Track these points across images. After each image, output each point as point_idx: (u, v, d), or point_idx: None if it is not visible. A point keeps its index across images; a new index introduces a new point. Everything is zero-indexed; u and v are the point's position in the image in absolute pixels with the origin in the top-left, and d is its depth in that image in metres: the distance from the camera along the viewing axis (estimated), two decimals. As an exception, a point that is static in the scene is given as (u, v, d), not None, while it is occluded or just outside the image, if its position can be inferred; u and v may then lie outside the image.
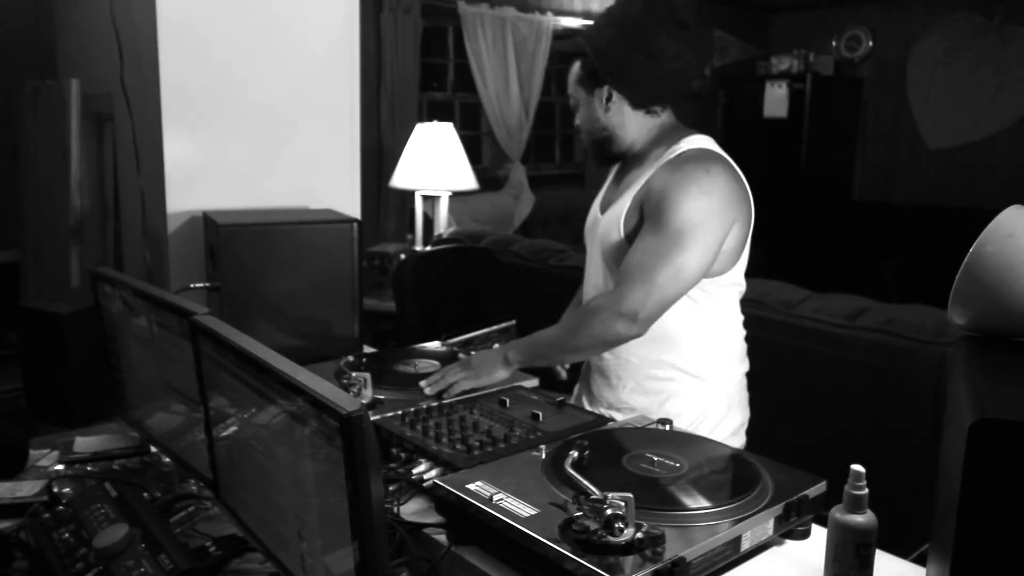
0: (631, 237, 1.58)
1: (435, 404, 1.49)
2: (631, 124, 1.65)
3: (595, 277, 1.73)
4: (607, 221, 1.66)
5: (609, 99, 1.63)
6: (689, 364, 1.65)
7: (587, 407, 1.74)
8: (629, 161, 1.70)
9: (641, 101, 1.63)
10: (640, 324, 1.50)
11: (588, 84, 1.65)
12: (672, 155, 1.59)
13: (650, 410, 1.64)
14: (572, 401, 1.80)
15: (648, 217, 1.54)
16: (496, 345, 1.80)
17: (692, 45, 1.60)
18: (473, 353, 1.65)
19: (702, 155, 1.58)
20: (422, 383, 1.58)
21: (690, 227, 1.49)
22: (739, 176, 1.60)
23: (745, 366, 1.75)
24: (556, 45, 1.67)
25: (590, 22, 5.67)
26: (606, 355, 1.69)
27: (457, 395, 1.56)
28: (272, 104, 2.15)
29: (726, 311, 1.68)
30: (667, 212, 1.50)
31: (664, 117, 1.67)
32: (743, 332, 1.74)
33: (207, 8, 2.02)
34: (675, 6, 1.60)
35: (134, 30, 2.08)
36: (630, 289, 1.49)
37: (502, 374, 1.60)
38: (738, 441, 1.72)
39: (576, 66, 1.67)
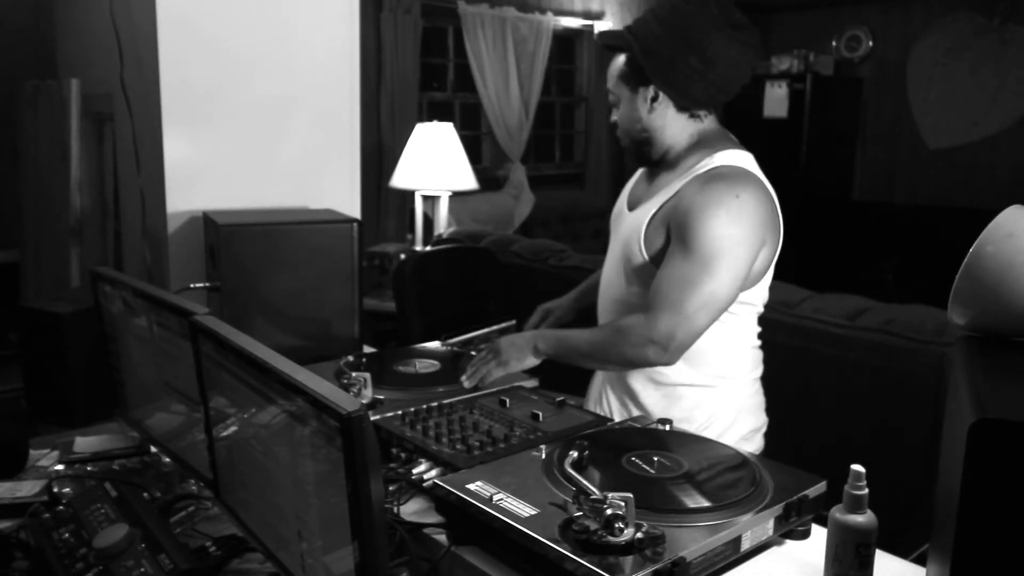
0: (651, 251, 1.56)
1: (435, 404, 1.49)
2: (673, 127, 1.60)
3: (611, 270, 1.69)
4: (632, 223, 1.62)
5: (655, 99, 1.57)
6: (702, 378, 1.62)
7: (603, 403, 1.74)
8: (665, 164, 1.64)
9: (688, 105, 1.57)
10: (671, 353, 1.47)
11: (632, 82, 1.58)
12: (704, 169, 1.54)
13: (658, 409, 1.63)
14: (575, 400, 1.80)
15: (676, 238, 1.50)
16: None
17: (744, 48, 1.55)
18: (502, 339, 1.64)
19: (735, 175, 1.52)
20: (462, 378, 1.60)
21: (719, 255, 1.45)
22: (771, 198, 1.55)
23: (758, 372, 1.72)
24: (599, 36, 1.62)
25: (589, 22, 5.62)
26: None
27: (491, 384, 1.60)
28: (272, 104, 2.15)
29: (743, 328, 1.65)
30: (695, 237, 1.46)
31: (707, 123, 1.61)
32: (758, 343, 1.71)
33: (207, 8, 2.02)
34: (726, 6, 1.54)
35: (134, 30, 2.08)
36: (660, 319, 1.45)
37: (531, 361, 1.60)
38: (753, 446, 1.69)
39: (620, 61, 1.60)
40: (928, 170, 6.45)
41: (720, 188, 1.48)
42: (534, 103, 5.50)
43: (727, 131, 1.65)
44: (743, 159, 1.58)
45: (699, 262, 1.45)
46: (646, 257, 1.56)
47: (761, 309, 1.66)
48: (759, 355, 1.72)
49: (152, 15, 1.95)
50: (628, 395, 1.69)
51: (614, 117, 1.65)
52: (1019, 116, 5.93)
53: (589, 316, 1.81)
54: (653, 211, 1.57)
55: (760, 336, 1.71)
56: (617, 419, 1.64)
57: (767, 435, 1.74)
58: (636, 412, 1.67)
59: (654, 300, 1.48)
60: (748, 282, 1.54)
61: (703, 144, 1.60)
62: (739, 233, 1.46)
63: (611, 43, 1.60)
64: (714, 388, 1.64)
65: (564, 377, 1.95)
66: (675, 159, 1.62)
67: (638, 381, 1.67)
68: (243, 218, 1.92)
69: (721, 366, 1.63)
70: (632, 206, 1.68)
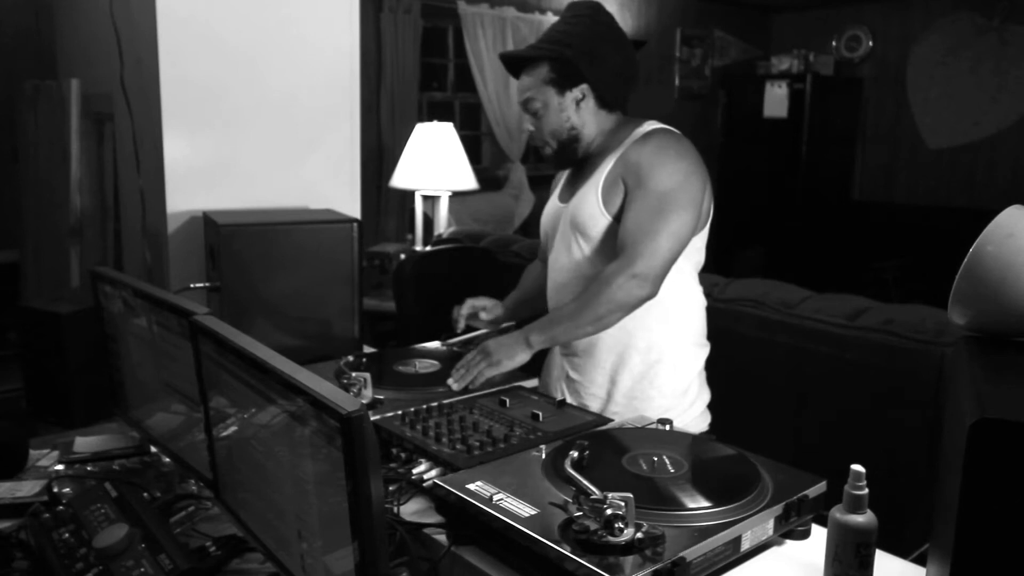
0: (612, 210, 1.66)
1: (435, 404, 1.49)
2: (593, 122, 1.74)
3: (562, 259, 1.77)
4: (577, 203, 1.72)
5: (582, 98, 1.71)
6: (660, 339, 1.71)
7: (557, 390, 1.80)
8: (589, 157, 1.76)
9: (609, 98, 1.73)
10: (652, 283, 1.57)
11: (560, 84, 1.71)
12: (639, 135, 1.69)
13: (631, 391, 1.72)
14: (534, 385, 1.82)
15: (633, 187, 1.62)
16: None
17: (633, 50, 1.76)
18: (489, 341, 1.66)
19: (667, 130, 1.71)
20: (449, 380, 1.61)
21: (676, 187, 1.60)
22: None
23: (707, 348, 1.81)
24: (502, 55, 1.80)
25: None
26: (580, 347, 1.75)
27: (481, 385, 1.61)
28: (272, 104, 2.15)
29: (688, 280, 1.74)
30: (652, 177, 1.60)
31: (617, 115, 1.77)
32: (704, 303, 1.79)
33: (207, 8, 2.02)
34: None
35: (134, 30, 2.08)
36: (636, 252, 1.56)
37: (523, 357, 1.64)
38: (705, 421, 1.78)
39: (544, 69, 1.72)
40: (928, 170, 6.45)
41: (661, 136, 1.68)
42: (534, 103, 5.49)
43: (633, 118, 1.78)
44: (663, 124, 1.74)
45: (658, 195, 1.59)
46: (608, 215, 1.66)
47: (702, 259, 1.77)
48: (705, 327, 1.80)
49: (152, 15, 1.95)
50: (584, 378, 1.76)
51: (530, 127, 1.78)
52: (1019, 116, 5.93)
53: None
54: (599, 183, 1.68)
55: (750, 332, 1.74)
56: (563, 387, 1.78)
57: (769, 432, 1.75)
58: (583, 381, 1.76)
59: (624, 241, 1.60)
60: (700, 221, 1.68)
61: (619, 129, 1.75)
62: (688, 166, 1.63)
63: (535, 55, 1.72)
64: (676, 361, 1.73)
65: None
66: (599, 148, 1.75)
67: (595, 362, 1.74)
68: (243, 218, 1.92)
69: (671, 324, 1.72)
70: (566, 198, 1.79)
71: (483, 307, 1.92)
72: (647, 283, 1.56)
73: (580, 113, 1.72)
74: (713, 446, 1.34)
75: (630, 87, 1.75)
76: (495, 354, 1.62)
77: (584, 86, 1.70)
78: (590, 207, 1.68)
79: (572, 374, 1.79)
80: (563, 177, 1.88)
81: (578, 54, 1.68)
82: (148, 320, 1.40)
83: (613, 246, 1.65)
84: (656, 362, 1.71)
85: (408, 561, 1.12)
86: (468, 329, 1.91)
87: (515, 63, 1.78)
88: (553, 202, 1.86)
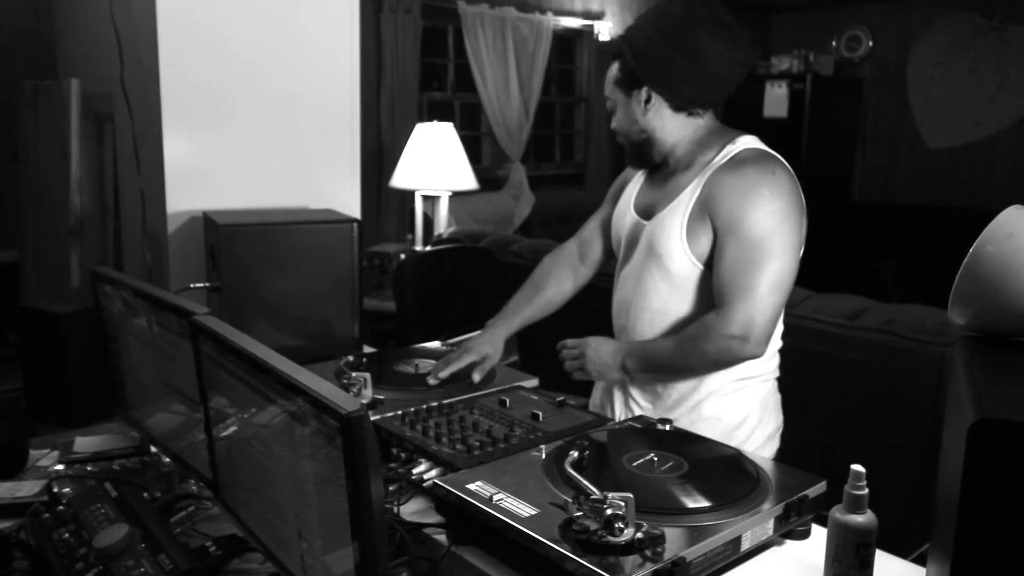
0: (698, 252, 1.56)
1: (435, 404, 1.49)
2: (671, 126, 1.61)
3: (643, 280, 1.65)
4: (658, 226, 1.61)
5: (648, 101, 1.60)
6: (737, 375, 1.62)
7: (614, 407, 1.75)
8: (671, 165, 1.66)
9: (681, 103, 1.59)
10: (755, 343, 1.48)
11: (626, 85, 1.62)
12: (727, 157, 1.56)
13: (686, 410, 1.64)
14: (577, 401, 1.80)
15: (723, 230, 1.51)
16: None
17: (734, 46, 1.56)
18: (590, 346, 1.64)
19: (761, 156, 1.55)
20: (429, 379, 1.62)
21: (772, 232, 1.48)
22: (793, 173, 1.58)
23: (778, 369, 1.72)
24: (600, 46, 1.72)
25: (589, 22, 5.64)
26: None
27: (480, 385, 1.64)
28: (272, 104, 2.15)
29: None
30: (745, 222, 1.48)
31: (706, 119, 1.63)
32: (782, 328, 1.69)
33: (207, 8, 2.02)
34: (714, 6, 1.57)
35: (134, 30, 2.08)
36: (733, 310, 1.47)
37: (614, 377, 1.65)
38: (773, 446, 1.69)
39: (614, 67, 1.64)
40: (928, 170, 6.45)
41: (754, 169, 1.52)
42: (534, 103, 5.50)
43: (728, 127, 1.67)
44: (758, 142, 1.61)
45: (755, 245, 1.47)
46: (695, 260, 1.56)
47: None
48: (778, 352, 1.71)
49: (152, 15, 1.95)
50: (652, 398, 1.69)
51: (614, 124, 1.68)
52: (1019, 116, 5.93)
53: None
54: (684, 212, 1.57)
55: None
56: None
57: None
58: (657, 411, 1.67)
59: (722, 294, 1.49)
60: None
61: (709, 139, 1.62)
62: (785, 207, 1.49)
63: (608, 50, 1.64)
64: (745, 382, 1.63)
65: (565, 378, 1.95)
66: (683, 158, 1.63)
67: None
68: (243, 218, 1.92)
69: (754, 363, 1.61)
70: (646, 213, 1.67)
71: (483, 358, 1.71)
72: (747, 343, 1.47)
73: (650, 117, 1.61)
74: (713, 446, 1.34)
75: (716, 89, 1.58)
76: (590, 364, 1.62)
77: (647, 88, 1.59)
78: (671, 240, 1.58)
79: (627, 396, 1.74)
80: (638, 180, 1.76)
81: (635, 55, 1.58)
82: (148, 320, 1.40)
83: (692, 287, 1.58)
84: (705, 398, 1.63)
85: (408, 561, 1.12)
86: (468, 329, 1.91)
87: None
88: (628, 209, 1.73)
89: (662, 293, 1.62)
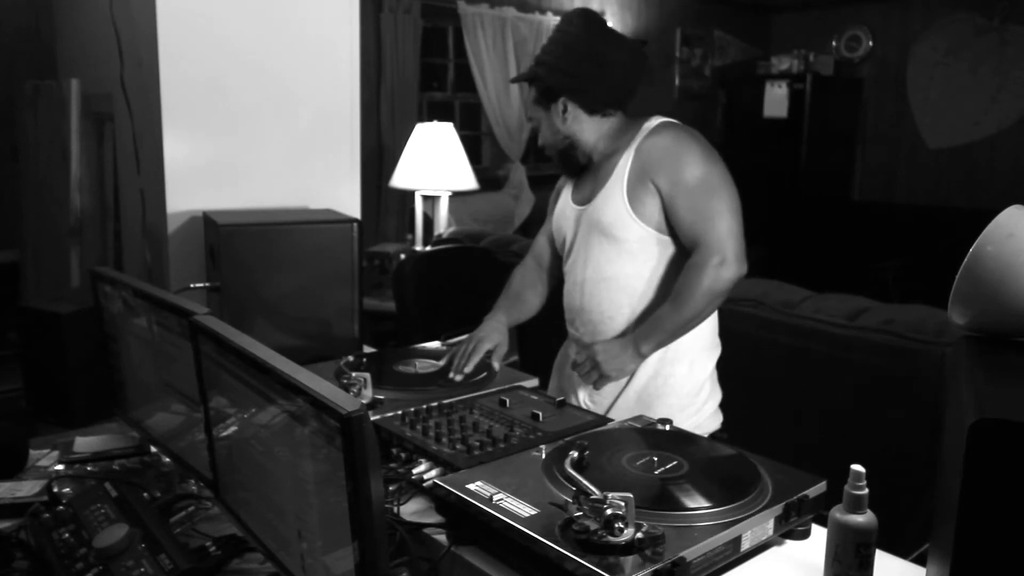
0: (642, 212, 1.69)
1: (435, 404, 1.49)
2: (588, 129, 1.78)
3: (585, 262, 1.79)
4: (600, 204, 1.75)
5: (565, 110, 1.77)
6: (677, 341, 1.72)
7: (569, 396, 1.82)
8: (595, 160, 1.81)
9: (595, 106, 1.77)
10: (734, 260, 1.62)
11: (544, 101, 1.79)
12: (648, 129, 1.74)
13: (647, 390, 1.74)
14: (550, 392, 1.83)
15: (670, 187, 1.66)
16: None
17: (632, 53, 1.79)
18: (597, 352, 1.69)
19: (674, 123, 1.76)
20: (452, 375, 1.67)
21: (710, 167, 1.66)
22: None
23: (719, 349, 1.84)
24: (513, 80, 1.94)
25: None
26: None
27: (479, 383, 1.66)
28: (272, 104, 2.15)
29: None
30: (685, 168, 1.66)
31: (618, 117, 1.80)
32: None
33: (207, 8, 2.02)
34: (603, 22, 1.79)
35: (134, 30, 2.08)
36: (709, 240, 1.62)
37: (633, 367, 1.71)
38: (717, 420, 1.81)
39: (530, 91, 1.81)
40: (928, 170, 6.45)
41: (671, 130, 1.72)
42: (534, 103, 5.49)
43: (637, 117, 1.81)
44: (665, 119, 1.78)
45: (699, 181, 1.65)
46: (640, 223, 1.70)
47: None
48: (717, 323, 1.83)
49: (152, 15, 1.95)
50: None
51: (540, 140, 1.85)
52: (1019, 116, 5.93)
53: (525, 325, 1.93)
54: (622, 184, 1.71)
55: (751, 331, 1.77)
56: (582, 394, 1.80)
57: (766, 431, 1.76)
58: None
59: (692, 235, 1.65)
60: None
61: (625, 129, 1.78)
62: (708, 149, 1.69)
63: (521, 79, 1.83)
64: (692, 360, 1.76)
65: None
66: (605, 151, 1.79)
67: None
68: (243, 218, 1.92)
69: (703, 337, 1.77)
70: (583, 201, 1.81)
71: (496, 345, 1.79)
72: (733, 264, 1.62)
73: (569, 123, 1.78)
74: (713, 446, 1.34)
75: (621, 90, 1.78)
76: (606, 366, 1.67)
77: (562, 99, 1.76)
78: (615, 208, 1.71)
79: None
80: (570, 182, 1.91)
81: (548, 71, 1.76)
82: (148, 320, 1.40)
83: (642, 250, 1.71)
84: (672, 362, 1.74)
85: (408, 561, 1.12)
86: (468, 329, 1.91)
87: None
88: (567, 205, 1.87)
89: (613, 261, 1.73)
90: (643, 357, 1.68)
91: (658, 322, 1.66)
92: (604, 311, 1.76)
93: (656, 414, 1.59)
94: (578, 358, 1.73)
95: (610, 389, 1.76)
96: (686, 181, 1.65)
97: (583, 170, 1.84)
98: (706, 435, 1.71)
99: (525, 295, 1.97)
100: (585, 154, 1.80)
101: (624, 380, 1.75)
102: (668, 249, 1.71)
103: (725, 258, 1.61)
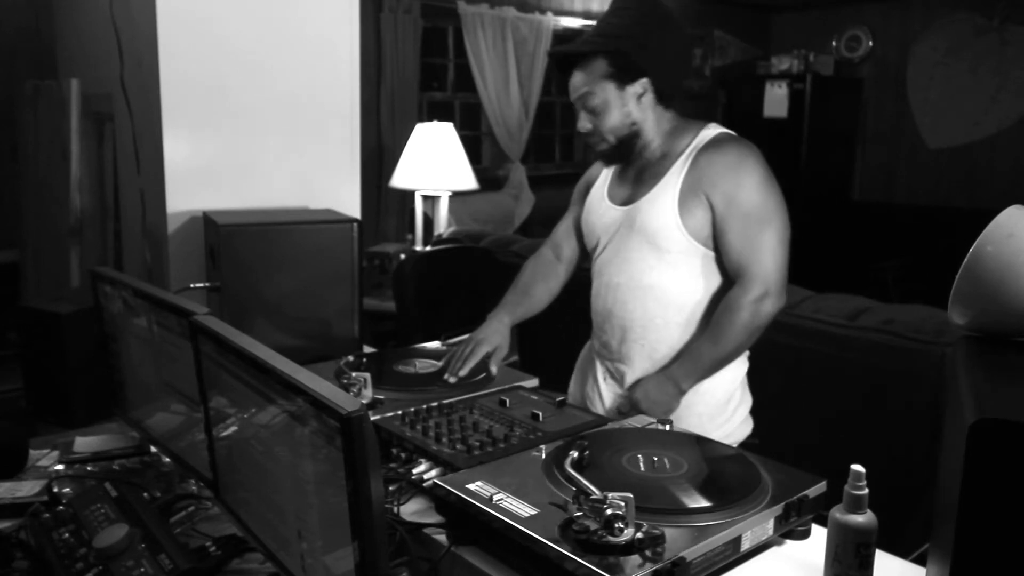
0: (691, 226, 1.63)
1: (435, 404, 1.49)
2: (653, 119, 1.69)
3: (623, 262, 1.71)
4: (646, 208, 1.66)
5: (642, 93, 1.66)
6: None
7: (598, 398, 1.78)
8: (645, 157, 1.72)
9: (670, 92, 1.68)
10: (777, 296, 1.60)
11: (622, 79, 1.64)
12: (706, 139, 1.66)
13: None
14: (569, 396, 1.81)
15: (724, 207, 1.61)
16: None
17: (688, 40, 1.70)
18: (636, 393, 1.67)
19: (735, 137, 1.69)
20: (447, 376, 1.65)
21: (767, 194, 1.61)
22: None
23: (747, 359, 1.80)
24: (552, 51, 1.73)
25: (590, 22, 5.62)
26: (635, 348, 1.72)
27: (479, 383, 1.64)
28: (272, 104, 2.15)
29: None
30: (742, 193, 1.60)
31: (672, 113, 1.72)
32: None
33: (207, 8, 2.02)
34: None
35: (134, 30, 2.08)
36: (753, 273, 1.59)
37: (676, 404, 1.66)
38: (748, 427, 1.77)
39: (601, 64, 1.64)
40: (928, 170, 6.45)
41: (734, 147, 1.64)
42: (534, 103, 5.49)
43: (689, 119, 1.75)
44: (723, 128, 1.72)
45: (754, 208, 1.60)
46: (686, 234, 1.64)
47: None
48: None
49: (152, 15, 1.95)
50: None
51: (587, 124, 1.70)
52: (1019, 116, 5.92)
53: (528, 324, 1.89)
54: (674, 191, 1.64)
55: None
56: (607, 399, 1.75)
57: (766, 431, 1.76)
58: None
59: (738, 264, 1.61)
60: None
61: (681, 129, 1.71)
62: (768, 174, 1.63)
63: (589, 49, 1.65)
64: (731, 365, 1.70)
65: (565, 378, 1.95)
66: (658, 149, 1.71)
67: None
68: (243, 218, 1.92)
69: None
70: (625, 202, 1.73)
71: (495, 348, 1.76)
72: (772, 298, 1.58)
73: (641, 108, 1.67)
74: (713, 446, 1.34)
75: (686, 77, 1.70)
76: (651, 411, 1.61)
77: (644, 80, 1.65)
78: (664, 217, 1.64)
79: (613, 381, 1.78)
80: (606, 176, 1.82)
81: (635, 46, 1.63)
82: (148, 320, 1.40)
83: (684, 261, 1.65)
84: None
85: (408, 561, 1.12)
86: (468, 329, 1.91)
87: (566, 59, 1.70)
88: (603, 201, 1.78)
89: (652, 269, 1.68)
90: (683, 393, 1.64)
91: (697, 358, 1.62)
92: (636, 319, 1.70)
93: (687, 423, 1.59)
94: (621, 407, 1.70)
95: None
96: (741, 205, 1.59)
97: (628, 163, 1.75)
98: (737, 443, 1.69)
99: (534, 289, 1.90)
100: (643, 146, 1.70)
101: None
102: (710, 263, 1.66)
103: (768, 291, 1.58)
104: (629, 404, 1.68)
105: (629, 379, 1.74)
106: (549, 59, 1.74)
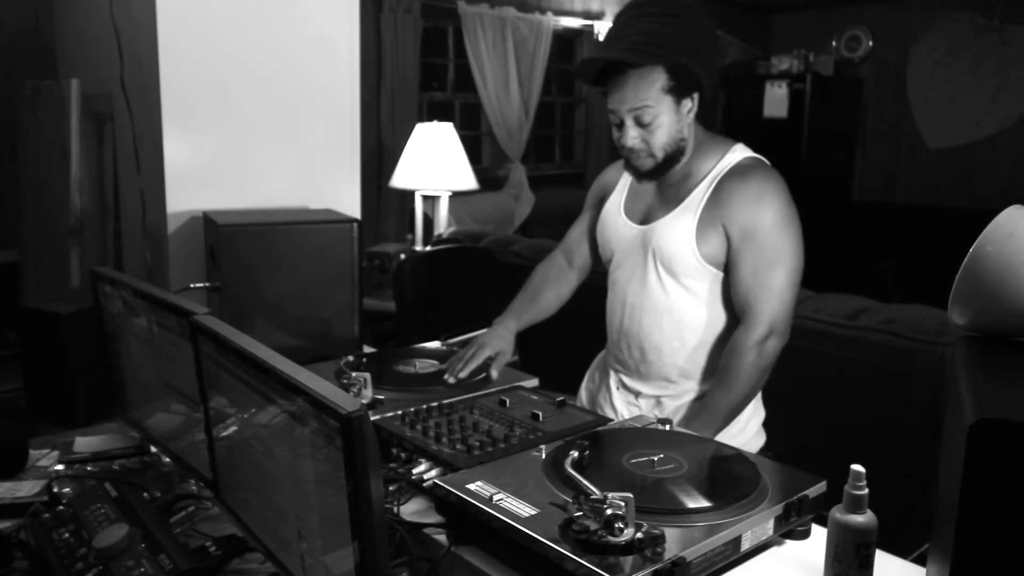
0: (708, 254, 1.60)
1: (435, 404, 1.49)
2: (692, 134, 1.65)
3: (638, 283, 1.69)
4: (663, 231, 1.63)
5: (691, 107, 1.60)
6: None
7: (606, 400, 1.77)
8: (669, 173, 1.66)
9: (707, 104, 1.62)
10: (781, 335, 1.57)
11: (678, 93, 1.57)
12: (729, 165, 1.62)
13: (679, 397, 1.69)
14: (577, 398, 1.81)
15: (740, 239, 1.57)
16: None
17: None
18: None
19: (760, 164, 1.64)
20: (447, 376, 1.64)
21: (784, 233, 1.58)
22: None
23: None
24: (614, 55, 1.52)
25: (590, 22, 5.58)
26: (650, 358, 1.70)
27: (479, 383, 1.63)
28: (272, 104, 2.15)
29: None
30: (760, 228, 1.56)
31: (699, 127, 1.67)
32: None
33: (207, 8, 2.02)
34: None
35: (134, 30, 2.08)
36: (761, 312, 1.56)
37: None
38: (761, 439, 1.75)
39: (661, 76, 1.54)
40: (928, 170, 6.45)
41: (759, 176, 1.59)
42: (534, 103, 5.49)
43: (714, 134, 1.71)
44: (748, 150, 1.68)
45: (770, 246, 1.56)
46: (702, 261, 1.61)
47: None
48: None
49: (152, 15, 1.95)
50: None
51: (638, 140, 1.59)
52: (1019, 116, 5.92)
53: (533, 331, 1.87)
54: (694, 217, 1.61)
55: None
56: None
57: (766, 431, 1.75)
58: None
59: (746, 300, 1.58)
60: None
61: (707, 146, 1.66)
62: (789, 208, 1.60)
63: (652, 61, 1.52)
64: None
65: (565, 378, 1.95)
66: (683, 166, 1.66)
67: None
68: (243, 218, 1.92)
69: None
70: (642, 218, 1.70)
71: (498, 352, 1.73)
72: (776, 337, 1.57)
73: (688, 124, 1.61)
74: (713, 446, 1.34)
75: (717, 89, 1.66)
76: None
77: (696, 95, 1.58)
78: (681, 241, 1.61)
79: (627, 391, 1.77)
80: (623, 185, 1.77)
81: (695, 58, 1.53)
82: (148, 320, 1.40)
83: (700, 287, 1.63)
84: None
85: (408, 561, 1.12)
86: (468, 329, 1.91)
87: (613, 68, 1.57)
88: (619, 216, 1.74)
89: (670, 292, 1.65)
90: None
91: (713, 408, 1.58)
92: (652, 340, 1.68)
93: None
94: None
95: (655, 414, 1.71)
96: (756, 242, 1.56)
97: (649, 178, 1.67)
98: None
99: (544, 294, 1.87)
100: (680, 160, 1.63)
101: (668, 404, 1.71)
102: (726, 286, 1.63)
103: (772, 332, 1.55)
104: None
105: (643, 395, 1.73)
106: (581, 65, 1.60)
